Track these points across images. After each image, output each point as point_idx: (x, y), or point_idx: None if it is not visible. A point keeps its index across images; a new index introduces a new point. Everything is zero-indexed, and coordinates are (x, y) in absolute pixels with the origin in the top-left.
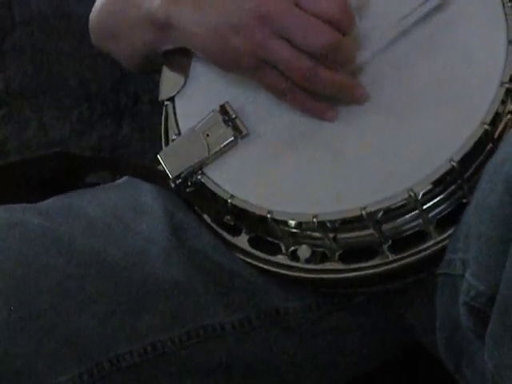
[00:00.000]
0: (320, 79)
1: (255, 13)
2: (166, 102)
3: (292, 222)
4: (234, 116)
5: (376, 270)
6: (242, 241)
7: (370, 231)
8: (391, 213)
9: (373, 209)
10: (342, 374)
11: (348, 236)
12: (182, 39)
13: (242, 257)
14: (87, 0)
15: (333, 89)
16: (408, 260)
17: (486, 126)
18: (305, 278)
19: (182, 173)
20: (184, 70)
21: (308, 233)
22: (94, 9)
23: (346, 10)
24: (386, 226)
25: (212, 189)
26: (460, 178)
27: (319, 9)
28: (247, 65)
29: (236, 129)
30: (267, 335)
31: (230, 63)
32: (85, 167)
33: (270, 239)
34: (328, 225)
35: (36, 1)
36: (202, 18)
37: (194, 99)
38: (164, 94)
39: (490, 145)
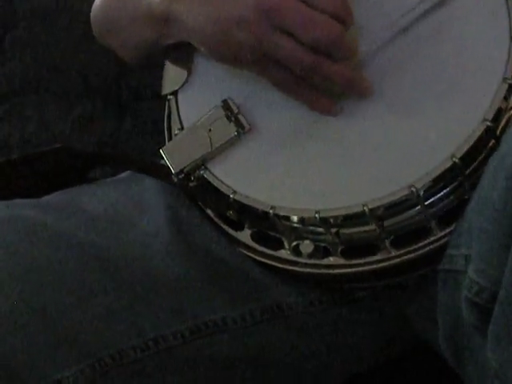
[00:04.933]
0: (324, 73)
1: (258, 6)
2: (168, 97)
3: (294, 218)
4: (236, 111)
5: (378, 266)
6: (245, 236)
7: (372, 227)
8: (393, 208)
9: (375, 205)
10: (343, 370)
11: (350, 231)
12: (183, 34)
13: (244, 252)
14: None
15: (337, 82)
16: (410, 256)
17: (489, 123)
18: (307, 273)
19: (185, 168)
20: (187, 65)
21: (310, 228)
22: (95, 3)
23: (346, 4)
24: (388, 222)
25: (214, 184)
26: (462, 175)
27: (321, 2)
28: (249, 58)
29: (239, 124)
30: (269, 330)
31: (232, 57)
32: (86, 163)
33: (272, 234)
34: (330, 220)
35: None
36: (203, 12)
37: (196, 94)
38: (167, 89)
39: (493, 141)
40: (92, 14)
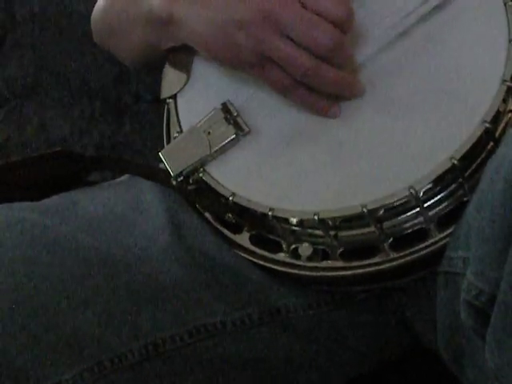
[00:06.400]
0: (322, 77)
1: (259, 10)
2: (167, 100)
3: (293, 220)
4: (235, 114)
5: (377, 268)
6: (244, 238)
7: (371, 229)
8: (392, 210)
9: (374, 206)
10: (343, 371)
11: (349, 234)
12: (183, 36)
13: (243, 254)
14: None
15: (335, 87)
16: (409, 258)
17: (487, 125)
18: (306, 276)
19: (184, 170)
20: (186, 68)
21: (309, 230)
22: (96, 6)
23: (350, 11)
24: (387, 224)
25: (213, 186)
26: (461, 177)
27: (324, 8)
28: (249, 61)
29: (237, 127)
30: (268, 333)
31: (232, 59)
32: (86, 166)
33: (271, 237)
34: (329, 222)
35: None
36: (204, 15)
37: (195, 97)
38: (166, 92)
39: (491, 143)
40: (93, 18)
